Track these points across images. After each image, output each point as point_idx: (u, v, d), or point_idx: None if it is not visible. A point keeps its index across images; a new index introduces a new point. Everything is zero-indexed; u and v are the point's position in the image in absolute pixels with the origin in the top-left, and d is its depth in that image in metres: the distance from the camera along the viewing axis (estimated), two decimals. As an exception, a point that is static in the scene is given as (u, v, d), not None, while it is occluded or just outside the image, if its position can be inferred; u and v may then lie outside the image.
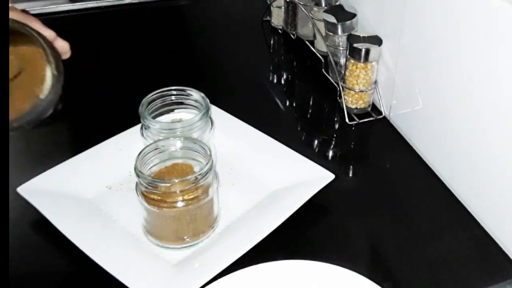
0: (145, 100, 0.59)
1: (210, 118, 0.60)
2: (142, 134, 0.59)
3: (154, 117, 0.60)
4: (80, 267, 0.52)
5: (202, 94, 0.60)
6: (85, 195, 0.58)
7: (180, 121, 0.60)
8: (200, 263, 0.51)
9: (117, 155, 0.62)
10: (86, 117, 0.74)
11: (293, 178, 0.60)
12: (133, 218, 0.55)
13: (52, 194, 0.57)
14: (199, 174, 0.50)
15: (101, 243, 0.52)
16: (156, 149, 0.54)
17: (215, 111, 0.66)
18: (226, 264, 0.50)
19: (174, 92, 0.61)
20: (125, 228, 0.55)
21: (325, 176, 0.59)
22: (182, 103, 0.61)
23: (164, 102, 0.61)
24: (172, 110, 0.62)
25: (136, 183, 0.52)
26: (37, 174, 0.59)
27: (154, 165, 0.54)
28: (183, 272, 0.51)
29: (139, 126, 0.60)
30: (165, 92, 0.61)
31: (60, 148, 0.69)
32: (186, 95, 0.61)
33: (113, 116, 0.73)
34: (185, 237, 0.53)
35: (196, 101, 0.61)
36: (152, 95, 0.60)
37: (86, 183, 0.59)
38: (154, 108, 0.60)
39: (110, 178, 0.60)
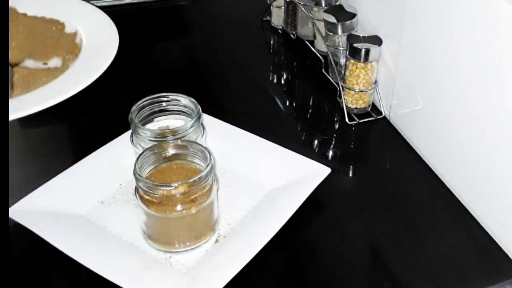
0: (135, 107, 0.58)
1: (202, 124, 0.60)
2: (132, 142, 0.58)
3: (144, 124, 0.59)
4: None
5: (194, 100, 0.59)
6: (78, 212, 0.57)
7: (167, 128, 0.59)
8: (210, 269, 0.51)
9: (106, 168, 0.61)
10: (72, 123, 0.74)
11: (289, 176, 0.60)
12: (132, 229, 0.55)
13: (44, 214, 0.55)
14: (200, 177, 0.50)
15: (105, 258, 0.52)
16: (154, 152, 0.54)
17: (204, 117, 0.64)
18: (235, 272, 0.49)
19: (165, 99, 0.60)
20: (127, 241, 0.55)
21: (321, 171, 0.59)
22: (173, 110, 0.61)
23: (155, 109, 0.60)
24: (163, 116, 0.61)
25: (135, 187, 0.52)
26: (25, 194, 0.57)
27: (153, 169, 0.54)
28: (194, 280, 0.50)
29: (125, 134, 0.60)
30: (156, 99, 0.60)
31: (45, 161, 0.67)
32: (177, 101, 0.60)
33: (101, 122, 0.72)
34: (187, 241, 0.53)
35: (186, 107, 0.60)
36: (143, 102, 0.59)
37: (77, 200, 0.58)
38: (144, 115, 0.59)
39: (101, 192, 0.59)
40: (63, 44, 0.78)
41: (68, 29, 0.80)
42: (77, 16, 0.82)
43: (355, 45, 0.67)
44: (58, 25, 0.81)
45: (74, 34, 0.79)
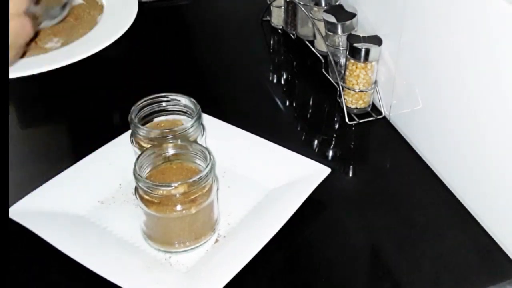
0: (135, 107, 0.58)
1: (202, 124, 0.60)
2: (132, 142, 0.58)
3: (143, 124, 0.59)
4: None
5: (193, 100, 0.59)
6: (78, 212, 0.57)
7: (167, 128, 0.59)
8: (210, 269, 0.51)
9: (106, 168, 0.61)
10: (72, 123, 0.74)
11: (289, 176, 0.60)
12: (132, 229, 0.55)
13: (44, 214, 0.55)
14: (200, 177, 0.50)
15: (105, 258, 0.52)
16: (154, 152, 0.53)
17: (204, 117, 0.64)
18: (235, 272, 0.49)
19: (165, 99, 0.60)
20: (127, 241, 0.55)
21: (321, 171, 0.59)
22: (173, 110, 0.61)
23: (155, 109, 0.60)
24: (163, 116, 0.61)
25: (135, 187, 0.52)
26: (25, 194, 0.57)
27: (153, 169, 0.54)
28: (194, 280, 0.50)
29: (124, 135, 0.59)
30: (156, 99, 0.60)
31: (45, 161, 0.67)
32: (177, 101, 0.60)
33: (101, 122, 0.72)
34: (187, 241, 0.53)
35: (186, 107, 0.60)
36: (143, 102, 0.59)
37: (77, 200, 0.58)
38: (144, 115, 0.59)
39: (101, 192, 0.59)
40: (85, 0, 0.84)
41: None
42: None
43: (355, 45, 0.67)
44: None
45: None
